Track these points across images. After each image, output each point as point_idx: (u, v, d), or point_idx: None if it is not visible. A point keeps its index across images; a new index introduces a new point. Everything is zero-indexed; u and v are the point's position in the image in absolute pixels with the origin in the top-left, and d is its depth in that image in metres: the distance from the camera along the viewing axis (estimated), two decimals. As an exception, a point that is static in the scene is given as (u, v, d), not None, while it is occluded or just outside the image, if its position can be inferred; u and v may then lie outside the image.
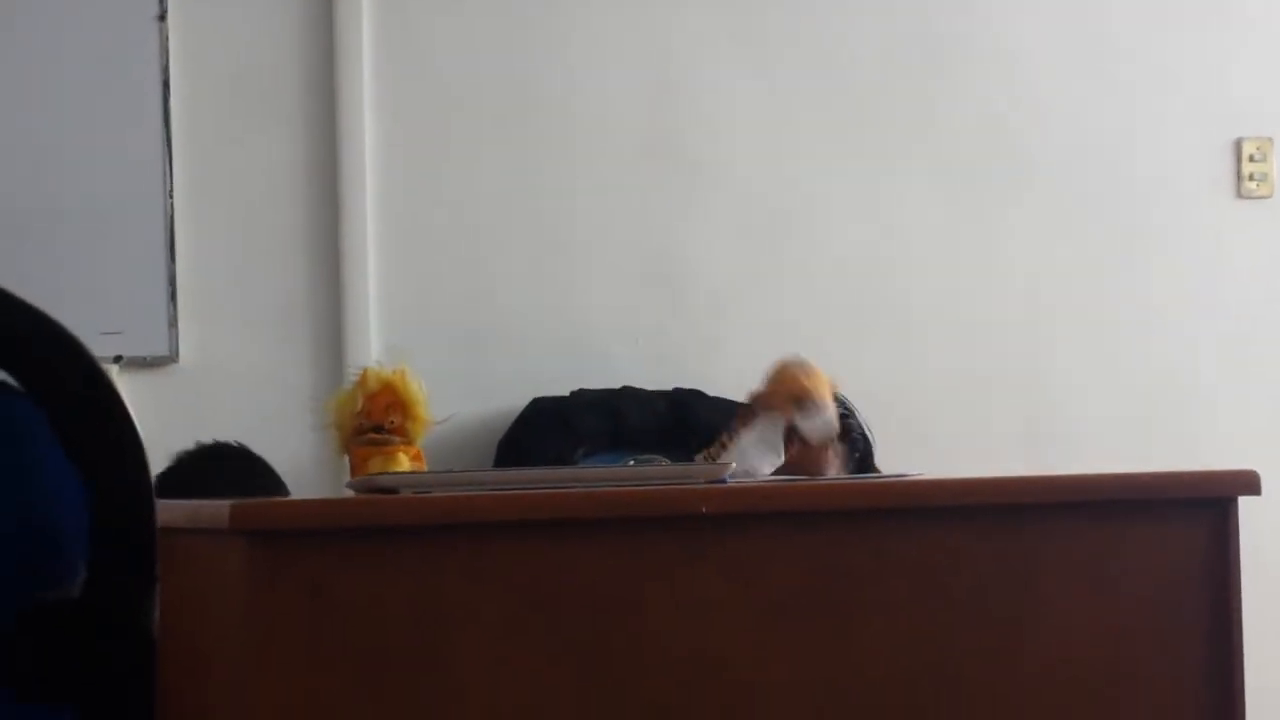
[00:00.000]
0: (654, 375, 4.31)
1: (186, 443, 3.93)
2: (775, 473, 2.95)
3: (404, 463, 3.51)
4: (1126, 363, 4.71)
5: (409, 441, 3.26)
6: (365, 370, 3.71)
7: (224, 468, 3.57)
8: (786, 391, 2.94)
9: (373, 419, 3.25)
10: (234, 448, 3.62)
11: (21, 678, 1.58)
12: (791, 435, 2.91)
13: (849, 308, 4.52)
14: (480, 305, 4.25)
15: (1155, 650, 2.54)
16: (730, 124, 4.47)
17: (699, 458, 2.86)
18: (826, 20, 4.55)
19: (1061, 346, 4.67)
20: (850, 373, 4.48)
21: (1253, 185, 4.84)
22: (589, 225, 4.36)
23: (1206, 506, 2.58)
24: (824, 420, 2.94)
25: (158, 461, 3.82)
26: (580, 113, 4.37)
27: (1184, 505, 2.58)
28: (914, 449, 4.53)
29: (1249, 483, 2.60)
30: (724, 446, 2.91)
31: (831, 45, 4.55)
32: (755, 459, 2.90)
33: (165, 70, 4.10)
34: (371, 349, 4.13)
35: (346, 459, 3.70)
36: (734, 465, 2.87)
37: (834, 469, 2.94)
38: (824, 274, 4.51)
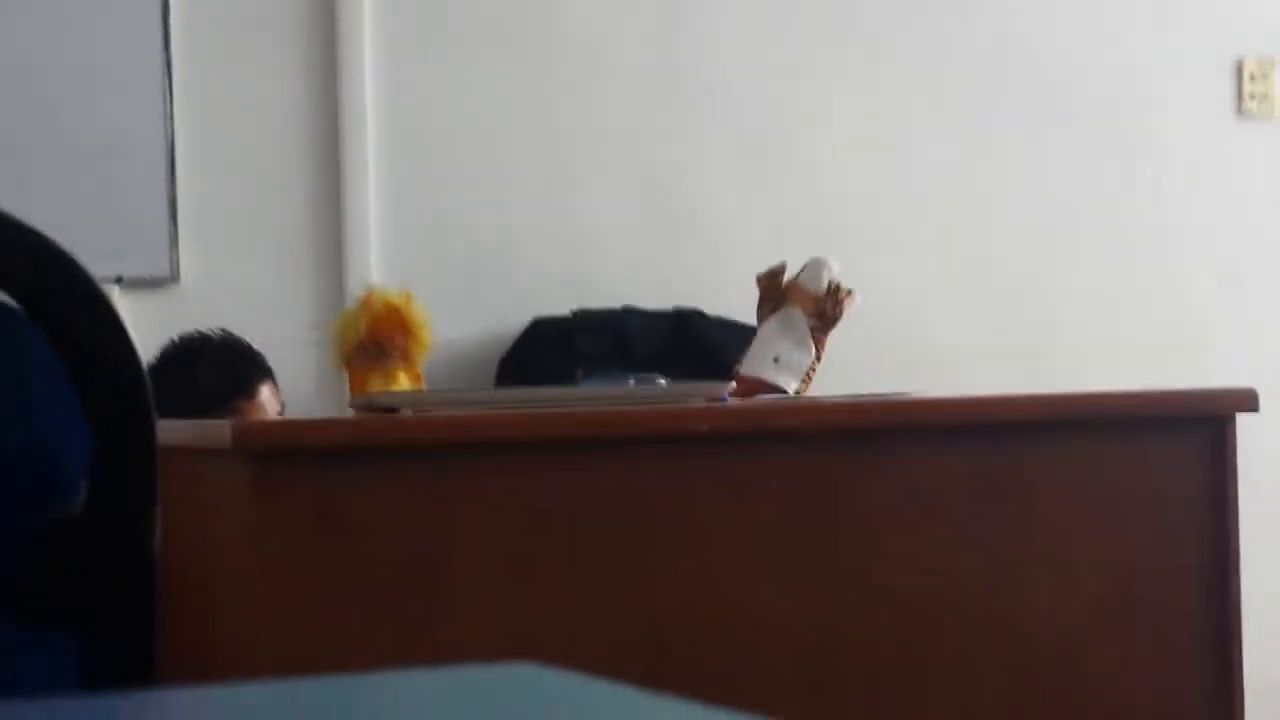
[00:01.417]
0: (655, 295, 4.31)
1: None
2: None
3: (404, 384, 3.52)
4: (1128, 283, 4.71)
5: (410, 364, 3.26)
6: (370, 290, 3.72)
7: (203, 358, 3.58)
8: (774, 271, 2.90)
9: (375, 339, 3.26)
10: (211, 338, 3.63)
11: (20, 600, 1.59)
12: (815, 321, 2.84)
13: (851, 228, 4.52)
14: (482, 225, 4.25)
15: (1154, 566, 2.55)
16: (733, 44, 4.45)
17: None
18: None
19: (1064, 267, 4.67)
20: (856, 293, 4.48)
21: (1254, 105, 4.83)
22: (591, 146, 4.35)
23: (1205, 424, 2.59)
24: (815, 263, 2.89)
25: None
26: (583, 33, 4.35)
27: (1183, 423, 2.59)
28: (916, 370, 4.54)
29: (1247, 400, 2.61)
30: (747, 359, 2.86)
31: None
32: (787, 352, 2.85)
33: (164, -10, 4.09)
34: (372, 268, 4.13)
35: (345, 375, 3.71)
36: (769, 369, 2.81)
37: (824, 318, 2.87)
38: (825, 194, 4.50)
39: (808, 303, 2.85)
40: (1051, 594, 2.50)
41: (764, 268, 2.93)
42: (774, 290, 2.88)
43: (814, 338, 2.85)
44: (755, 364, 2.83)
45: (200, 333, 3.63)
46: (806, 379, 2.86)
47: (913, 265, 4.56)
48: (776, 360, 2.82)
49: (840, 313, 2.86)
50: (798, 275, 2.89)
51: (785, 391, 2.79)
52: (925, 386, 4.53)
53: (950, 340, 4.58)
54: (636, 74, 4.38)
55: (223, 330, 3.64)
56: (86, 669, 1.56)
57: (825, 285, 2.85)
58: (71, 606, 1.57)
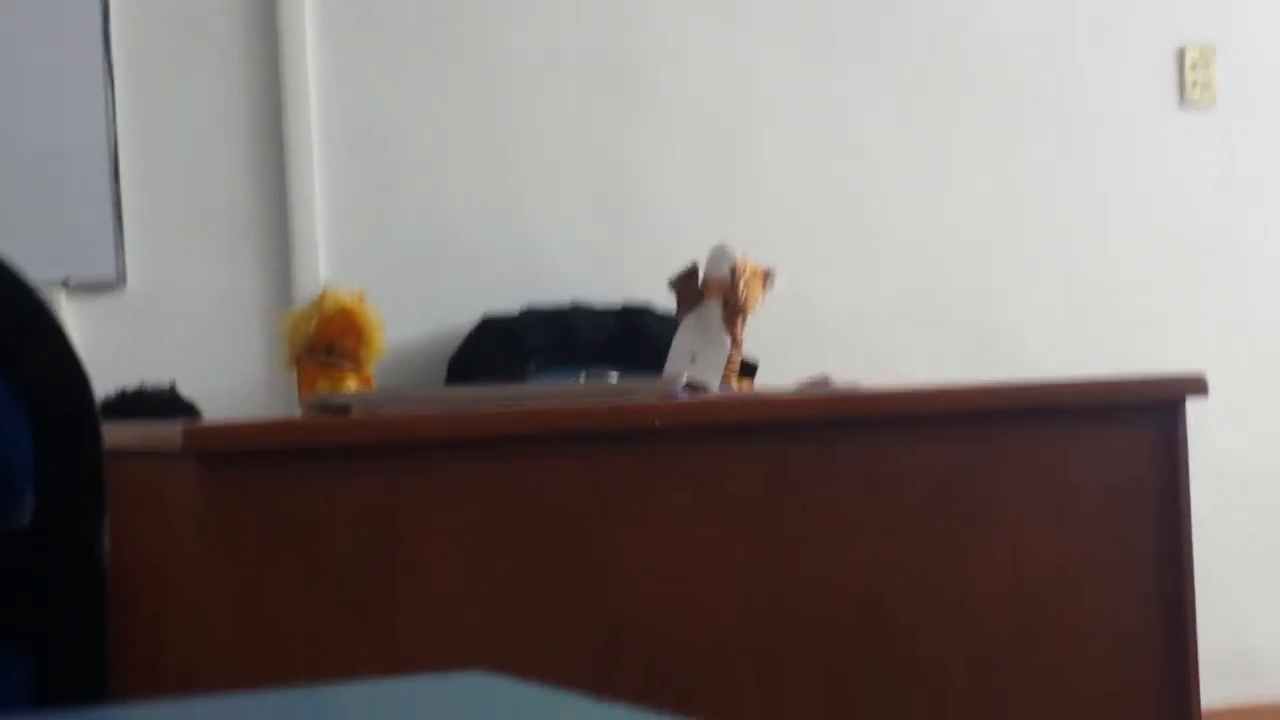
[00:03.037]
0: (604, 292, 4.30)
1: (136, 365, 3.92)
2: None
3: (352, 387, 3.50)
4: (1075, 273, 4.73)
5: (359, 367, 3.25)
6: (324, 292, 3.70)
7: (145, 410, 3.56)
8: (688, 273, 2.89)
9: (325, 340, 3.24)
10: (158, 392, 3.60)
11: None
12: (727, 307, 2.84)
13: (799, 226, 4.52)
14: (430, 222, 4.24)
15: (1108, 552, 2.56)
16: (680, 43, 4.45)
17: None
18: (771, -69, 4.53)
19: (1012, 259, 4.68)
20: (801, 290, 4.49)
21: (1196, 93, 4.85)
22: (539, 142, 4.34)
23: (1155, 410, 2.60)
24: (716, 252, 2.87)
25: (107, 384, 3.82)
26: (529, 28, 4.34)
27: (1133, 409, 2.60)
28: (867, 364, 4.55)
29: (1196, 385, 2.62)
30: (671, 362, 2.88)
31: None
32: (702, 348, 2.85)
33: (105, -9, 4.06)
34: (320, 268, 4.11)
35: (294, 375, 3.69)
36: (687, 367, 2.83)
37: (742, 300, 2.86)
38: (773, 190, 4.50)
39: (719, 294, 2.85)
40: (1005, 582, 2.51)
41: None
42: (690, 291, 2.88)
43: (727, 328, 2.85)
44: (674, 365, 2.83)
45: (143, 386, 3.59)
46: (729, 371, 2.87)
47: (860, 258, 4.57)
48: (694, 359, 2.82)
49: (748, 296, 2.85)
50: (706, 270, 2.88)
51: (709, 388, 2.79)
52: (871, 366, 4.55)
53: (897, 332, 4.58)
54: (585, 71, 4.37)
55: (172, 384, 3.61)
56: (37, 683, 1.54)
57: (729, 272, 2.85)
58: (21, 619, 1.55)
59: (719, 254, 2.87)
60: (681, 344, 2.84)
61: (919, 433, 2.47)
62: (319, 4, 4.19)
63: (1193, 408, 4.66)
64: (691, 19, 4.45)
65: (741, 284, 2.84)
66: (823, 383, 2.88)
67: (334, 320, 3.23)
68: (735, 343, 2.84)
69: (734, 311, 2.84)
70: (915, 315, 4.60)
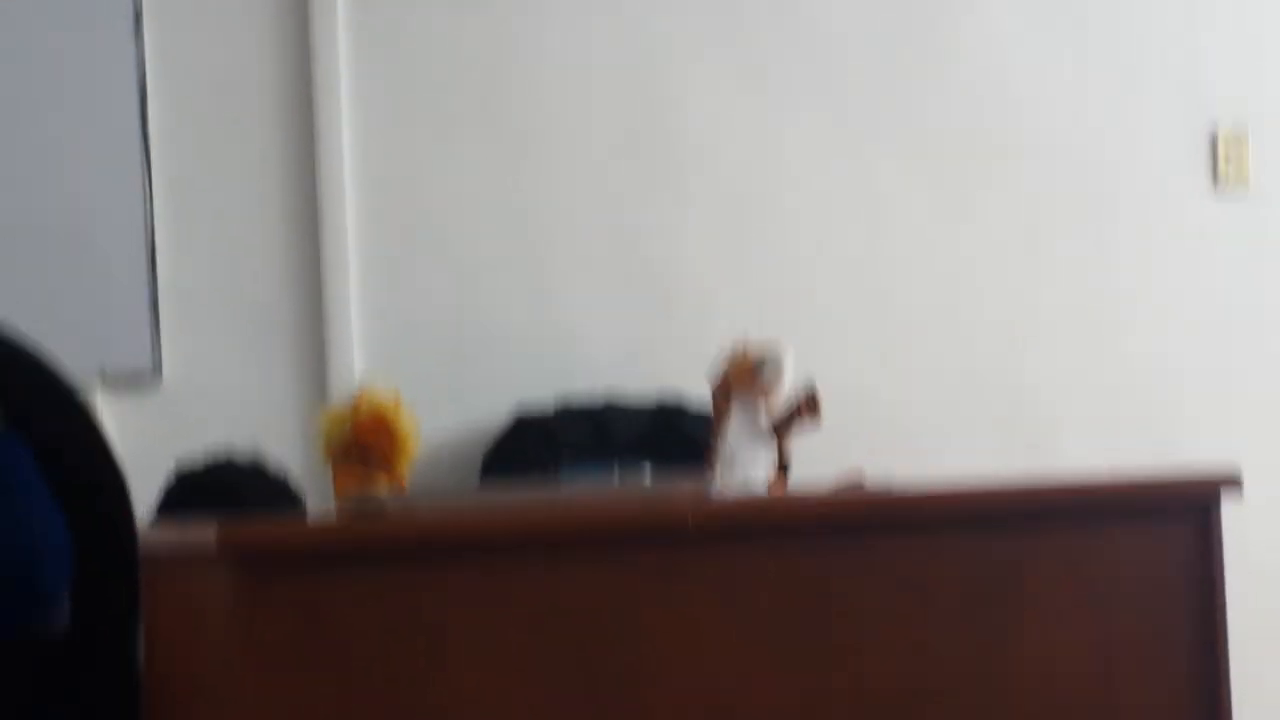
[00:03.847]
0: (638, 379, 4.31)
1: (170, 458, 3.91)
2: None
3: (384, 489, 3.49)
4: (1105, 356, 4.72)
5: (392, 470, 3.25)
6: (361, 393, 3.68)
7: (234, 481, 3.50)
8: (738, 367, 2.93)
9: (360, 443, 3.24)
10: (241, 463, 3.54)
11: (5, 713, 1.58)
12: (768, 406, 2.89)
13: (831, 309, 4.52)
14: (464, 315, 4.25)
15: (1142, 652, 2.55)
16: (712, 125, 4.46)
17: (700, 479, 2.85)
18: (807, 16, 4.54)
19: (1042, 341, 4.67)
20: (834, 372, 4.48)
21: (1228, 176, 4.85)
22: (572, 232, 4.35)
23: (1190, 506, 2.60)
24: (773, 358, 2.92)
25: (143, 477, 3.81)
26: (561, 116, 4.36)
27: (1167, 506, 2.59)
28: (895, 445, 4.54)
29: (1231, 481, 2.62)
30: (713, 458, 2.90)
31: (812, 42, 4.55)
32: (746, 451, 2.88)
33: (142, 81, 4.09)
34: (355, 362, 4.12)
35: (329, 473, 3.69)
36: (729, 472, 2.85)
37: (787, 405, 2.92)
38: (806, 272, 4.51)
39: (765, 394, 2.89)
40: (1041, 681, 2.49)
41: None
42: (724, 392, 2.93)
43: (778, 436, 2.91)
44: (725, 469, 2.86)
45: (230, 459, 3.49)
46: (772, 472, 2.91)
47: (894, 342, 4.57)
48: (740, 461, 2.86)
49: (818, 419, 2.91)
50: (756, 370, 2.92)
51: (755, 490, 2.82)
52: (900, 453, 4.53)
53: (926, 409, 4.58)
54: (616, 157, 4.39)
55: (253, 457, 3.51)
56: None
57: (784, 382, 2.90)
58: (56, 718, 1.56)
59: (776, 365, 2.90)
60: (731, 456, 2.87)
61: (954, 534, 2.47)
62: (355, 99, 4.22)
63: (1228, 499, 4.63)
64: (723, 99, 4.47)
65: (816, 400, 2.90)
66: (857, 482, 2.88)
67: (368, 424, 3.24)
68: (781, 447, 2.88)
69: (794, 424, 2.89)
70: (945, 403, 4.59)
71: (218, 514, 2.91)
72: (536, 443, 4.05)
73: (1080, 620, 2.53)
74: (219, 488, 3.31)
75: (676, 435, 4.11)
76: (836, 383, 4.49)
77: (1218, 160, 4.84)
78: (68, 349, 3.85)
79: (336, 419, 3.29)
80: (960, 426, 4.60)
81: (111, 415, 3.92)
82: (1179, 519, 2.60)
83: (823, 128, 4.55)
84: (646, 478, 2.63)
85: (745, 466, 2.87)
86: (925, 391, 4.58)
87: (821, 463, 4.39)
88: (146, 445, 3.91)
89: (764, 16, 4.54)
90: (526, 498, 2.45)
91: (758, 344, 3.02)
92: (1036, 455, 4.65)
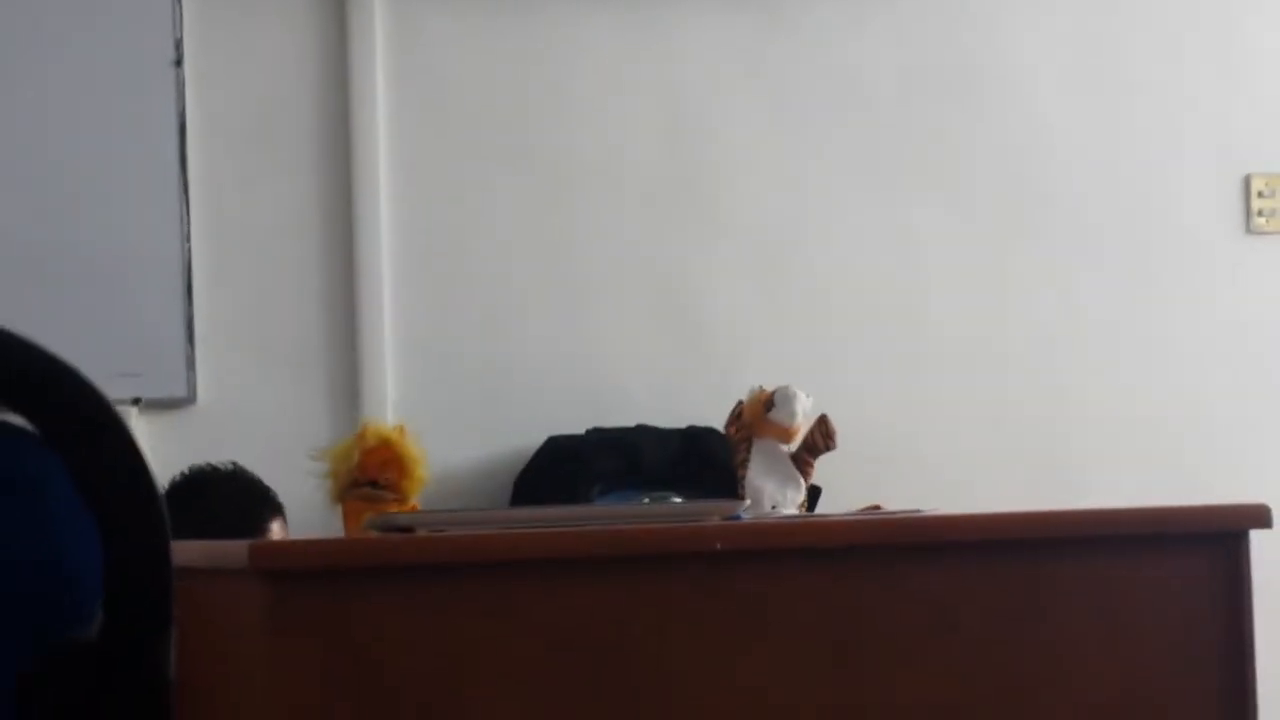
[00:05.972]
0: (669, 412, 4.32)
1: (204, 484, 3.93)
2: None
3: (396, 518, 3.49)
4: (1138, 396, 4.72)
5: (402, 499, 3.25)
6: (365, 424, 3.71)
7: (215, 492, 3.56)
8: (751, 410, 2.98)
9: (367, 474, 3.24)
10: (222, 471, 3.61)
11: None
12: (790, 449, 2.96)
13: (863, 342, 4.53)
14: (496, 344, 4.27)
15: (1169, 686, 2.54)
16: (744, 159, 4.49)
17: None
18: (840, 53, 4.57)
19: (1074, 379, 4.68)
20: (865, 406, 4.49)
21: (1262, 221, 4.85)
22: (603, 264, 4.38)
23: (1217, 540, 2.59)
24: (785, 397, 2.97)
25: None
26: (594, 151, 4.39)
27: (1195, 539, 2.58)
28: (926, 482, 4.54)
29: (1260, 516, 2.61)
30: (742, 489, 2.94)
31: (844, 80, 4.58)
32: (772, 490, 2.92)
33: (181, 114, 4.13)
34: (388, 389, 4.15)
35: (340, 509, 3.70)
36: (758, 509, 2.88)
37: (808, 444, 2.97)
38: (838, 309, 4.53)
39: (781, 435, 2.95)
40: (1068, 713, 2.49)
41: (777, 381, 2.98)
42: (743, 433, 2.97)
43: (802, 468, 2.96)
44: (755, 506, 2.90)
45: (211, 466, 3.61)
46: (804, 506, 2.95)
47: (925, 378, 4.57)
48: (775, 508, 2.90)
49: (833, 443, 2.96)
50: (767, 410, 2.97)
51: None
52: (933, 493, 4.53)
53: (958, 448, 4.58)
54: (648, 191, 4.42)
55: (233, 464, 3.63)
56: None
57: (798, 419, 2.95)
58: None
59: (788, 400, 2.94)
60: (758, 493, 2.91)
61: (979, 560, 2.47)
62: (391, 134, 4.25)
63: (1257, 536, 4.62)
64: (757, 139, 4.49)
65: (830, 429, 2.95)
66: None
67: (375, 452, 3.24)
68: (808, 477, 2.92)
69: (815, 453, 2.94)
70: (977, 442, 4.60)
71: (188, 513, 3.00)
72: (568, 469, 4.07)
73: (1107, 649, 2.52)
74: (190, 489, 3.38)
75: (707, 463, 4.12)
76: (867, 421, 4.50)
77: (1250, 204, 4.84)
78: (105, 374, 3.88)
79: (342, 452, 3.29)
80: (992, 466, 4.60)
81: (146, 438, 3.94)
82: (1206, 552, 2.59)
83: (856, 169, 4.57)
84: (675, 502, 2.64)
85: (773, 502, 2.90)
86: (957, 430, 4.59)
87: (854, 500, 4.39)
88: (181, 469, 3.93)
89: (798, 57, 4.56)
90: (555, 517, 2.46)
91: (770, 388, 3.07)
92: (1068, 494, 4.65)
